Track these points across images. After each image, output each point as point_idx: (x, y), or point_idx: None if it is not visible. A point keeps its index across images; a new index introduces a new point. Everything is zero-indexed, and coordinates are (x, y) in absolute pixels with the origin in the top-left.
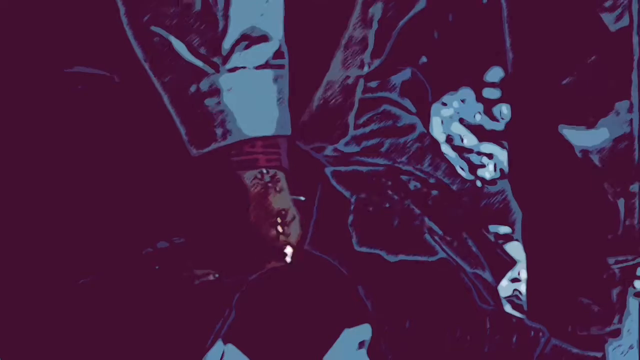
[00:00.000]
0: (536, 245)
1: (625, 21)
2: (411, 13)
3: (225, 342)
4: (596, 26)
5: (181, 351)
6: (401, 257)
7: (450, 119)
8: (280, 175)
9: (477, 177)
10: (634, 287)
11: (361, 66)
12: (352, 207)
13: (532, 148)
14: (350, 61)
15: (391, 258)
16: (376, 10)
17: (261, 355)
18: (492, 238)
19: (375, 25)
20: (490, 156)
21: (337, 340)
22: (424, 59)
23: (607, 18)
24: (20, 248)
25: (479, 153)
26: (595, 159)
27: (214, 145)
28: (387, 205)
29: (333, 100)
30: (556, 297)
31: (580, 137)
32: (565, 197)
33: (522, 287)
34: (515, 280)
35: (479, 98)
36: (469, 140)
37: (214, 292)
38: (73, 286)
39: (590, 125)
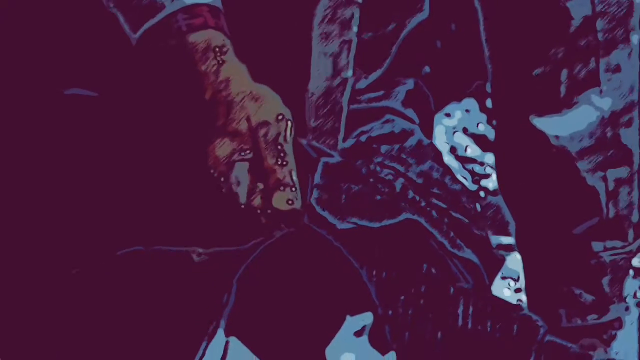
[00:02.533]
0: (529, 244)
1: (587, 9)
2: (414, 23)
3: (227, 334)
4: (562, 15)
5: (177, 340)
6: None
7: (453, 129)
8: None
9: (481, 187)
10: (636, 297)
11: (344, 69)
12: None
13: (512, 145)
14: (327, 63)
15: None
16: (345, 13)
17: (264, 346)
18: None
19: (354, 29)
20: (493, 166)
21: (340, 327)
22: (427, 69)
23: (572, 7)
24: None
25: (482, 163)
26: (571, 147)
27: (156, 18)
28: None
29: (320, 103)
30: (553, 292)
31: (553, 126)
32: (550, 191)
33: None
34: (518, 290)
35: (483, 108)
36: (473, 150)
37: (210, 276)
38: (66, 275)
39: (562, 114)
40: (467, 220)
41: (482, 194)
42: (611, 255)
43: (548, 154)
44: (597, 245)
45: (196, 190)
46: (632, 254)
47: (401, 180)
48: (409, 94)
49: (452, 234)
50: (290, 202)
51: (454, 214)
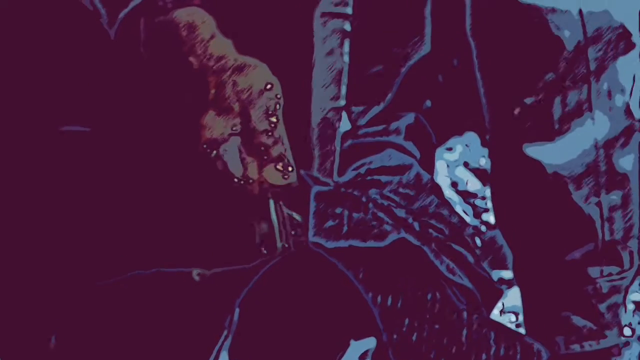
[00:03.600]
0: (525, 271)
1: (579, 35)
2: (416, 57)
3: (230, 357)
4: (554, 44)
5: None
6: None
7: (454, 163)
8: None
9: (482, 222)
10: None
11: (336, 98)
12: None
13: (506, 174)
14: (321, 91)
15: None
16: (333, 43)
17: None
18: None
19: (346, 59)
20: None
21: (344, 352)
22: (428, 103)
23: (563, 35)
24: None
25: (484, 197)
26: (565, 174)
27: None
28: (370, 219)
29: (316, 133)
30: (550, 319)
31: (547, 154)
32: (545, 218)
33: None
34: (518, 325)
35: (484, 142)
36: (473, 184)
37: (212, 299)
38: (67, 301)
39: (556, 142)
40: (466, 253)
41: (483, 228)
42: (608, 281)
43: (543, 182)
44: (593, 271)
45: (197, 208)
46: (629, 280)
47: (401, 211)
48: (410, 128)
49: (451, 264)
50: (286, 177)
51: (453, 245)
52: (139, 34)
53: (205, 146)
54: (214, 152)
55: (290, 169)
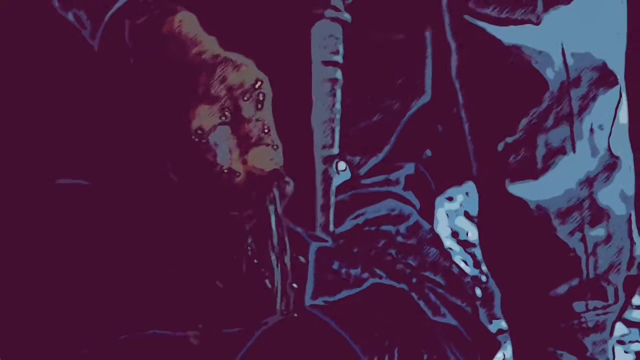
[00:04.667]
0: (512, 308)
1: (562, 75)
2: (415, 106)
3: None
4: (537, 84)
5: None
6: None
7: (455, 212)
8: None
9: (482, 272)
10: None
11: (330, 146)
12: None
13: (492, 213)
14: (319, 140)
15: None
16: (322, 94)
17: None
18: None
19: (337, 106)
20: None
21: None
22: (428, 153)
23: (547, 75)
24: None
25: None
26: (549, 210)
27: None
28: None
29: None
30: (538, 356)
31: (532, 192)
32: (530, 255)
33: None
34: None
35: None
36: (474, 234)
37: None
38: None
39: (540, 179)
40: (465, 304)
41: (483, 278)
42: (594, 315)
43: (527, 220)
44: (578, 306)
45: (196, 270)
46: (615, 315)
47: (399, 265)
48: (410, 178)
49: (448, 314)
50: (272, 159)
51: (451, 297)
52: (123, 36)
53: (193, 137)
54: (203, 141)
55: (275, 147)
